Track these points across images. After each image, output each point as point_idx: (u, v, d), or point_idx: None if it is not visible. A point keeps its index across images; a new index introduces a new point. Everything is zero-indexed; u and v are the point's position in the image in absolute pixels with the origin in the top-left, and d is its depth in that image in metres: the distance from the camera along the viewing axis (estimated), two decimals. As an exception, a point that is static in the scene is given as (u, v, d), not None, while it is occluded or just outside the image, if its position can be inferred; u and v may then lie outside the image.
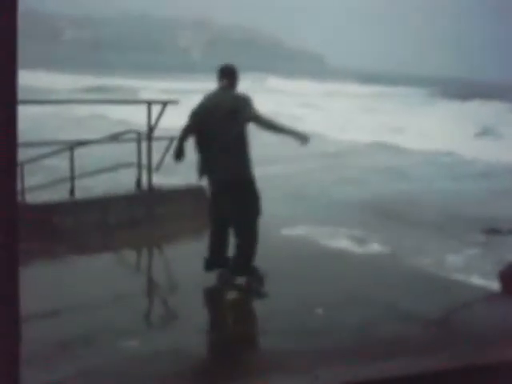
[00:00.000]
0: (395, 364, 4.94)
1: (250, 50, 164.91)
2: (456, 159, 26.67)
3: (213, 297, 6.96)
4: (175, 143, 7.27)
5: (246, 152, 7.00)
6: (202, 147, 7.05)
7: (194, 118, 7.07)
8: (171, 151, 7.29)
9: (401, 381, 4.40)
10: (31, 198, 9.04)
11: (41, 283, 7.14)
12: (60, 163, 11.16)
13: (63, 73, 67.29)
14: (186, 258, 8.12)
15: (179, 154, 7.07)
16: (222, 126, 6.91)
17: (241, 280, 7.02)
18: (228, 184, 6.99)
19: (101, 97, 33.07)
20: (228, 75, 7.19)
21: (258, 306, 6.73)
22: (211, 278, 7.25)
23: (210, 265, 7.18)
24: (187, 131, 7.07)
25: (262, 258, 7.43)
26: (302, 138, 7.02)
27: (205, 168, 7.09)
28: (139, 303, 6.92)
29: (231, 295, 6.72)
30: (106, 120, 28.60)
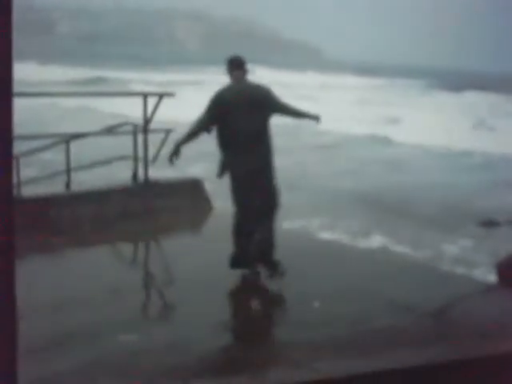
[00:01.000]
0: (392, 356, 4.95)
1: (248, 42, 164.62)
2: (452, 151, 26.66)
3: (211, 290, 6.94)
4: (181, 138, 7.05)
5: (271, 143, 7.01)
6: (226, 140, 6.94)
7: (214, 111, 6.89)
8: (172, 145, 7.15)
9: (398, 373, 4.40)
10: (26, 191, 9.01)
11: (38, 277, 7.12)
12: (54, 157, 11.14)
13: (56, 65, 66.93)
14: (184, 251, 8.11)
15: (177, 153, 6.96)
16: (248, 116, 6.83)
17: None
18: (255, 175, 6.92)
19: (94, 89, 32.93)
20: (240, 66, 7.08)
21: (257, 298, 6.72)
22: (208, 271, 7.25)
23: (236, 263, 7.09)
24: (206, 124, 6.92)
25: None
26: (316, 118, 7.27)
27: (230, 161, 6.96)
28: (137, 297, 6.90)
29: (256, 305, 6.67)
30: (95, 113, 28.50)
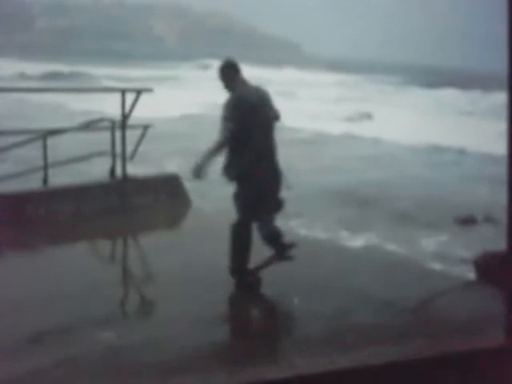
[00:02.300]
0: (371, 352, 4.95)
1: (225, 38, 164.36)
2: (426, 147, 26.75)
3: (189, 286, 6.92)
4: (208, 152, 6.69)
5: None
6: (245, 144, 6.67)
7: (241, 118, 6.64)
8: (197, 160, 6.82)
9: (377, 368, 4.41)
10: (1, 187, 8.93)
11: (14, 274, 7.08)
12: (28, 153, 11.04)
13: (33, 60, 66.37)
14: (162, 247, 8.08)
15: (202, 169, 6.68)
16: (265, 119, 6.76)
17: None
18: (272, 179, 6.84)
19: (64, 85, 32.53)
20: (239, 69, 6.93)
21: (236, 294, 6.71)
22: (187, 267, 7.24)
23: (241, 274, 6.88)
24: (236, 133, 6.60)
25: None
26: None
27: (250, 165, 6.71)
28: (115, 293, 6.87)
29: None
30: (64, 110, 28.29)
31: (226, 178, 6.81)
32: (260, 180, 6.75)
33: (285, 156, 7.13)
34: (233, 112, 6.63)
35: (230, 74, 6.87)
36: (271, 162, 6.83)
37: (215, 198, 13.92)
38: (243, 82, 6.88)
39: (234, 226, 6.80)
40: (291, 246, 6.96)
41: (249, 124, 6.64)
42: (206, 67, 65.32)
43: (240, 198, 6.80)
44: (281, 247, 6.94)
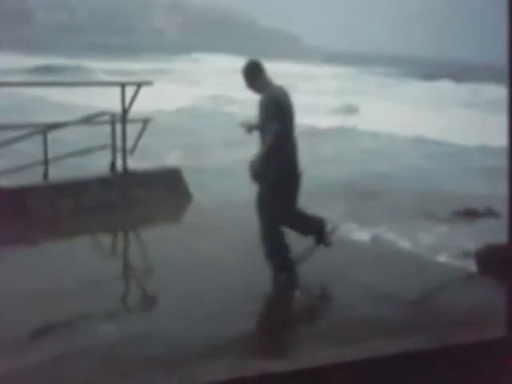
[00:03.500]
0: (371, 345, 4.95)
1: (225, 31, 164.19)
2: (425, 139, 26.67)
3: (189, 280, 6.92)
4: (262, 154, 6.60)
5: None
6: (283, 146, 6.66)
7: (285, 116, 6.68)
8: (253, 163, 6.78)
9: (379, 361, 4.41)
10: (1, 182, 8.93)
11: (15, 268, 7.08)
12: (26, 147, 11.01)
13: (31, 55, 66.09)
14: (163, 242, 8.08)
15: (260, 171, 6.61)
16: (293, 119, 6.78)
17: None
18: (297, 177, 6.85)
19: (57, 78, 32.29)
20: (264, 69, 6.90)
21: (234, 288, 6.70)
22: (187, 262, 7.24)
23: (292, 268, 6.92)
24: (285, 131, 6.63)
25: (235, 243, 7.44)
26: None
27: (283, 164, 6.71)
28: (115, 288, 6.88)
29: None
30: (57, 105, 28.14)
31: (259, 179, 6.72)
32: (291, 184, 6.79)
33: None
34: (276, 112, 6.61)
35: (255, 73, 6.85)
36: (298, 166, 6.84)
37: (215, 191, 13.96)
38: (270, 81, 6.86)
39: (267, 233, 6.75)
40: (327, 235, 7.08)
41: (287, 125, 6.67)
42: (198, 60, 65.03)
43: (273, 203, 6.73)
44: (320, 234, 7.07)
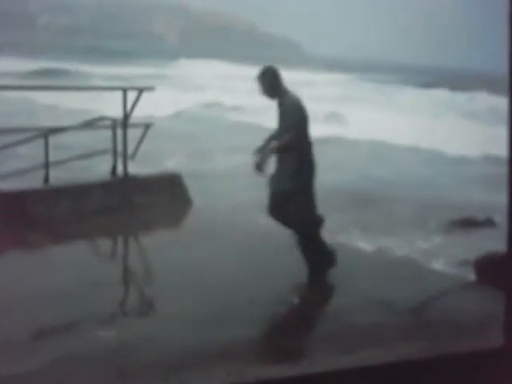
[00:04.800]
0: (369, 353, 4.97)
1: (226, 37, 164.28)
2: (425, 148, 26.53)
3: (189, 285, 6.93)
4: (274, 147, 6.84)
5: None
6: (306, 155, 6.90)
7: (305, 126, 6.82)
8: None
9: (377, 369, 4.42)
10: (2, 185, 8.94)
11: (14, 271, 7.09)
12: (27, 151, 11.03)
13: (24, 59, 65.79)
14: (163, 246, 8.10)
15: (264, 164, 6.79)
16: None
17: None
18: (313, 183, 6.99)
19: (55, 83, 32.26)
20: (280, 75, 6.97)
21: (234, 293, 6.72)
22: (187, 266, 7.25)
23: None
24: (303, 135, 6.81)
25: (236, 248, 7.44)
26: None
27: (307, 170, 6.92)
28: (115, 292, 6.89)
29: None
30: (50, 109, 28.03)
31: (286, 188, 6.85)
32: (313, 192, 6.93)
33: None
34: (297, 118, 6.76)
35: (272, 80, 6.90)
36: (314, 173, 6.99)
37: (215, 196, 13.97)
38: (287, 88, 6.92)
39: (307, 244, 6.91)
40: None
41: (306, 132, 6.80)
42: (198, 66, 65.06)
43: (304, 212, 6.90)
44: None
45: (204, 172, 17.38)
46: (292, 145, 6.69)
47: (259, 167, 6.76)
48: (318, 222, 7.02)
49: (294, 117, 6.73)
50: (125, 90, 9.76)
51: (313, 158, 6.92)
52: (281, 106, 6.86)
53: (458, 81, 63.04)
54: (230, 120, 29.46)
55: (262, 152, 6.80)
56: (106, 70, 52.30)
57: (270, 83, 6.89)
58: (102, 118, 10.22)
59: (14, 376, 4.76)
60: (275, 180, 6.89)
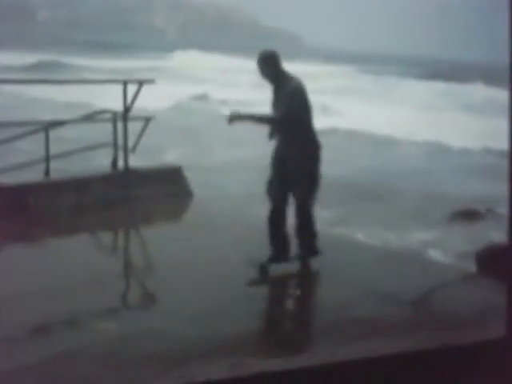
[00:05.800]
0: (370, 345, 4.97)
1: (226, 30, 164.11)
2: (425, 140, 26.49)
3: (190, 278, 6.93)
4: (260, 115, 7.03)
5: None
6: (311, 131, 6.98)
7: (306, 104, 6.84)
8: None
9: (378, 361, 4.42)
10: (3, 179, 8.93)
11: (16, 265, 7.09)
12: (27, 145, 11.00)
13: (21, 52, 65.63)
14: (164, 239, 8.09)
15: (241, 119, 6.92)
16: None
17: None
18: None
19: (48, 76, 32.18)
20: (281, 59, 6.96)
21: (235, 286, 6.72)
22: (188, 259, 7.24)
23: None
24: (297, 117, 6.83)
25: (236, 241, 7.43)
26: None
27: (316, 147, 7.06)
28: (116, 285, 6.89)
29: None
30: (47, 103, 27.92)
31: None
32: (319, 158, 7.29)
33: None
34: (300, 99, 6.76)
35: (273, 64, 6.86)
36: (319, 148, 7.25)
37: (216, 188, 13.96)
38: (288, 72, 6.89)
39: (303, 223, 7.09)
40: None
41: (310, 115, 6.86)
42: (198, 59, 64.88)
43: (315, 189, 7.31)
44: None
45: (205, 164, 17.36)
46: (285, 123, 6.73)
47: (232, 118, 6.80)
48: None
49: (292, 102, 6.70)
50: (125, 83, 9.74)
51: (316, 144, 6.97)
52: (281, 89, 6.82)
53: (456, 72, 62.93)
54: (230, 112, 29.34)
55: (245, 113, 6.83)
56: (105, 63, 52.19)
57: (269, 65, 6.86)
58: (102, 112, 10.20)
59: (15, 370, 4.76)
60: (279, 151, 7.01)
